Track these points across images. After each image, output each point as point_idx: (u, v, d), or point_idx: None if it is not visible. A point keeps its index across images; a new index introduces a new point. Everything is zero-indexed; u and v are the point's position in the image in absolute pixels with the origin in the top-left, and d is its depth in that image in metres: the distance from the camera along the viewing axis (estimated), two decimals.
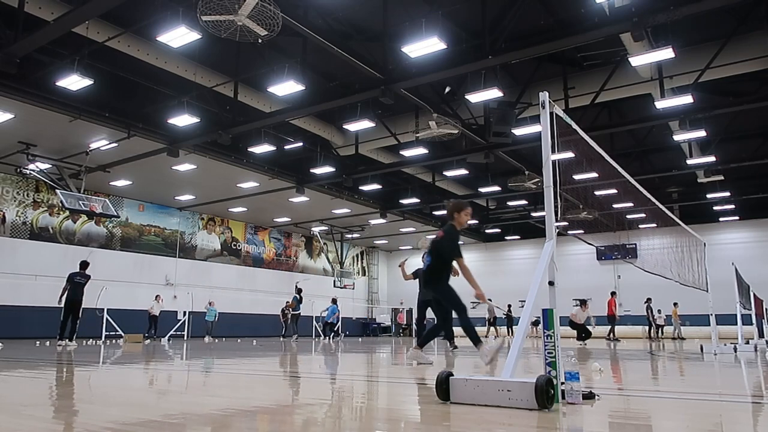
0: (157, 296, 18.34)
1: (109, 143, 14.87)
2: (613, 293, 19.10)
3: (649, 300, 20.97)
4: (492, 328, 23.33)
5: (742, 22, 11.30)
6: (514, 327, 23.57)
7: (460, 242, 5.68)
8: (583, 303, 14.61)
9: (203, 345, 13.23)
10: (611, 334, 17.98)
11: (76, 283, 11.67)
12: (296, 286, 20.73)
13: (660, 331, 22.59)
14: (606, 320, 18.46)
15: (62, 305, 11.58)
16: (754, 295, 12.70)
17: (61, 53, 11.62)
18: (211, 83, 13.37)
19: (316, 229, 27.65)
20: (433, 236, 5.90)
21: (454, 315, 5.82)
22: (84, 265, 12.00)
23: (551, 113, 3.29)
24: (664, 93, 12.62)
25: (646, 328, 22.03)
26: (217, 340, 17.17)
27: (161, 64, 12.24)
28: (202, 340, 17.48)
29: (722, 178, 18.96)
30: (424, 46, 10.15)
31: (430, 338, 6.20)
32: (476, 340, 5.41)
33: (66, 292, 11.52)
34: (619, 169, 4.98)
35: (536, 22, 11.74)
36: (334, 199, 21.22)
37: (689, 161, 16.91)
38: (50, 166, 16.13)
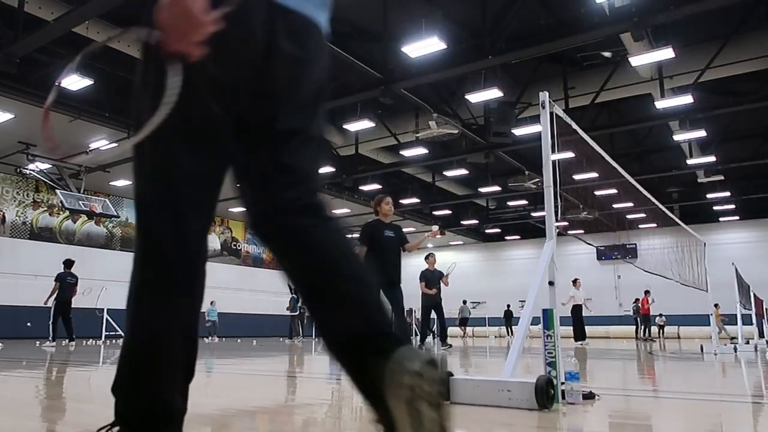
0: None
1: (109, 143, 14.88)
2: (647, 292, 19.18)
3: (637, 300, 21.14)
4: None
5: (742, 22, 11.30)
6: (513, 327, 23.72)
7: (391, 233, 5.72)
8: (575, 281, 14.59)
9: (202, 345, 13.23)
10: (647, 333, 18.33)
11: (68, 284, 11.61)
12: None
13: (660, 332, 22.53)
14: (641, 319, 19.27)
15: (50, 306, 11.50)
16: (754, 295, 12.71)
17: (61, 53, 11.62)
18: None
19: None
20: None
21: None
22: (70, 263, 11.90)
23: (551, 113, 3.29)
24: (664, 93, 12.62)
25: (637, 327, 22.14)
26: (217, 340, 17.17)
27: None
28: (202, 340, 17.47)
29: (722, 178, 18.96)
30: (423, 46, 10.16)
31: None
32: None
33: (56, 293, 11.45)
34: (619, 169, 4.98)
35: (536, 22, 11.74)
36: (334, 199, 21.22)
37: (689, 161, 16.91)
38: (50, 166, 16.14)
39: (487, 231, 29.33)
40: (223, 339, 18.55)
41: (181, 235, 1.18)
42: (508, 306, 24.30)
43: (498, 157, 16.06)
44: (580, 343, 13.58)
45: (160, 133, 1.07)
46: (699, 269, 9.28)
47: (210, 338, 18.29)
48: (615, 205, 18.69)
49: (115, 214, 16.70)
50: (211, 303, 19.58)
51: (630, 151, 17.95)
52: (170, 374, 1.20)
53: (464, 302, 23.68)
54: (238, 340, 17.06)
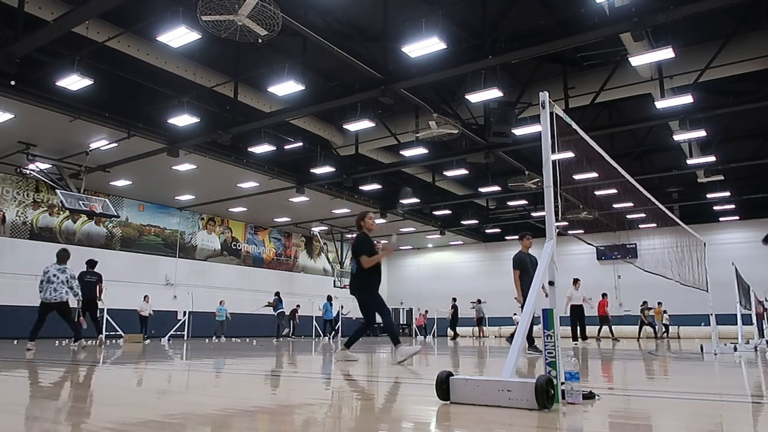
0: (145, 296, 18.49)
1: (109, 143, 14.88)
2: (604, 294, 19.43)
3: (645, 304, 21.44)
4: (478, 328, 23.35)
5: (742, 22, 11.31)
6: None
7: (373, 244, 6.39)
8: (576, 281, 14.68)
9: (203, 345, 13.22)
10: (607, 333, 18.49)
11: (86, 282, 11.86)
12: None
13: (665, 332, 22.53)
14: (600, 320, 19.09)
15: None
16: (755, 295, 12.69)
17: (61, 53, 11.62)
18: (211, 83, 13.38)
19: (316, 229, 27.65)
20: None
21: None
22: (93, 263, 12.18)
23: (551, 113, 3.28)
24: (664, 93, 12.62)
25: (636, 327, 22.13)
26: (224, 340, 17.15)
27: (161, 64, 12.24)
28: (203, 340, 17.45)
29: (722, 178, 18.96)
30: (424, 46, 10.16)
31: (356, 339, 6.74)
32: (396, 340, 6.18)
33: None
34: (619, 169, 4.97)
35: (536, 22, 11.75)
36: (334, 199, 21.22)
37: (689, 161, 16.91)
38: (50, 166, 16.13)
39: (487, 231, 29.32)
40: (232, 339, 18.49)
41: None
42: (454, 300, 23.65)
43: (498, 157, 16.06)
44: (575, 343, 13.50)
45: None
46: (699, 269, 9.27)
47: (216, 339, 18.24)
48: (615, 205, 18.69)
49: (115, 214, 16.69)
50: (221, 302, 19.59)
51: (630, 151, 17.96)
52: None
53: (479, 301, 23.40)
54: (238, 340, 17.05)
